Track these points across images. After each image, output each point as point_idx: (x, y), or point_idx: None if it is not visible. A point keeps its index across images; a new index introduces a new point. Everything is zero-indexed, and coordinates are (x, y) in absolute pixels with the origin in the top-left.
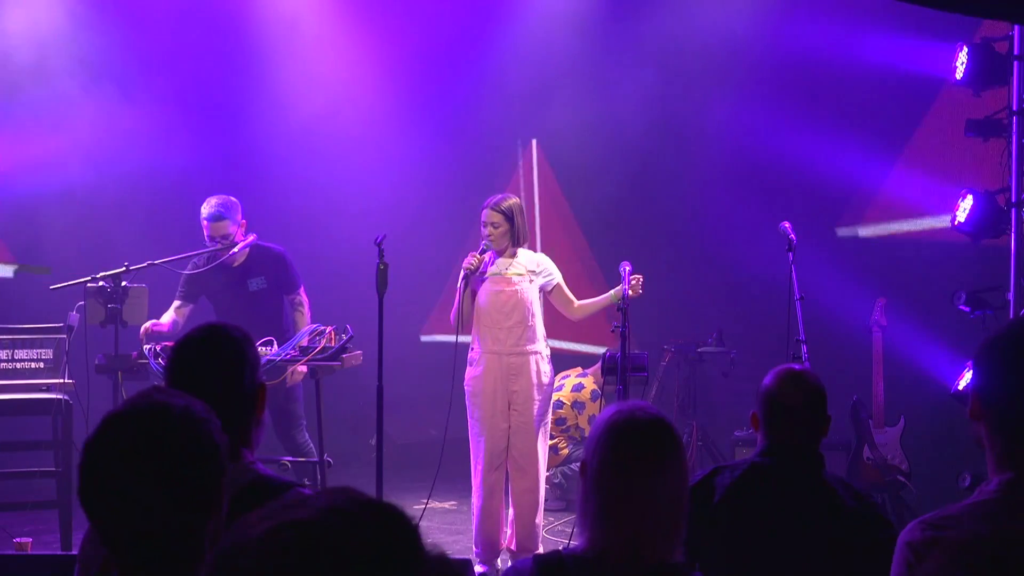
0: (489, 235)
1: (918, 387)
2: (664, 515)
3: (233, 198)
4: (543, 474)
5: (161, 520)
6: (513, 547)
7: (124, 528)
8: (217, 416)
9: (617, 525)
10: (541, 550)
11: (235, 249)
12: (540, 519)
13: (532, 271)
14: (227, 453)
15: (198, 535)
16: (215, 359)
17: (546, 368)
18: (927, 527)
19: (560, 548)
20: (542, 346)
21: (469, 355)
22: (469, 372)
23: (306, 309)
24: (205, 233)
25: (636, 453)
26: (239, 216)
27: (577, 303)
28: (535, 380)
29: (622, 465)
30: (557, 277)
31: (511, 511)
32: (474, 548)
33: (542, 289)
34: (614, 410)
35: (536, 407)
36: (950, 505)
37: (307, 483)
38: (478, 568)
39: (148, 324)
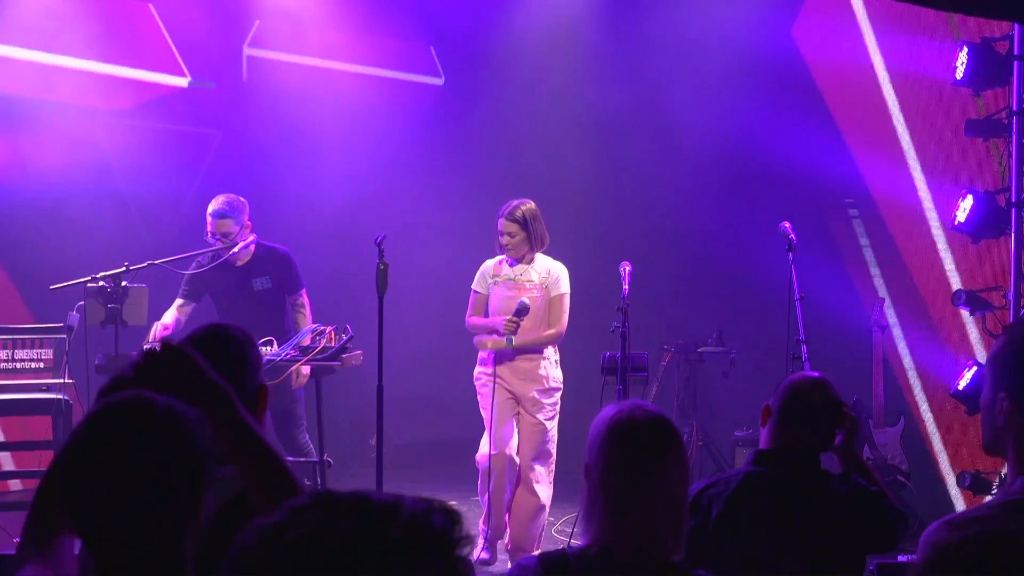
0: (507, 244)
1: (918, 387)
2: (669, 511)
3: (242, 199)
4: (549, 479)
5: (139, 519)
6: (508, 546)
7: (102, 526)
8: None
9: (625, 523)
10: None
11: (235, 249)
12: (540, 522)
13: (544, 278)
14: (210, 456)
15: (177, 538)
16: (217, 360)
17: (555, 374)
18: (953, 527)
19: (564, 547)
20: (551, 351)
21: (480, 353)
22: (479, 368)
23: (307, 311)
24: (208, 229)
25: (639, 452)
26: (244, 217)
27: (549, 331)
28: (544, 385)
29: (626, 464)
30: (561, 290)
31: (508, 513)
32: (481, 526)
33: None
34: (613, 410)
35: (544, 412)
36: (974, 506)
37: (307, 483)
38: (483, 554)
39: (158, 329)
